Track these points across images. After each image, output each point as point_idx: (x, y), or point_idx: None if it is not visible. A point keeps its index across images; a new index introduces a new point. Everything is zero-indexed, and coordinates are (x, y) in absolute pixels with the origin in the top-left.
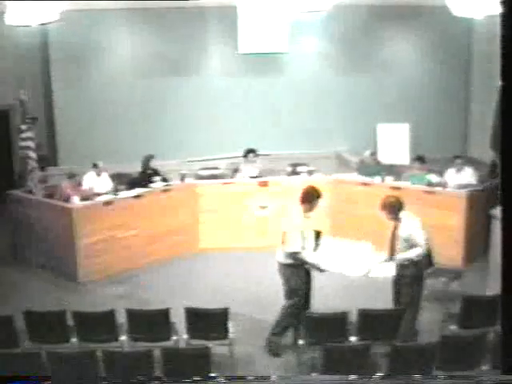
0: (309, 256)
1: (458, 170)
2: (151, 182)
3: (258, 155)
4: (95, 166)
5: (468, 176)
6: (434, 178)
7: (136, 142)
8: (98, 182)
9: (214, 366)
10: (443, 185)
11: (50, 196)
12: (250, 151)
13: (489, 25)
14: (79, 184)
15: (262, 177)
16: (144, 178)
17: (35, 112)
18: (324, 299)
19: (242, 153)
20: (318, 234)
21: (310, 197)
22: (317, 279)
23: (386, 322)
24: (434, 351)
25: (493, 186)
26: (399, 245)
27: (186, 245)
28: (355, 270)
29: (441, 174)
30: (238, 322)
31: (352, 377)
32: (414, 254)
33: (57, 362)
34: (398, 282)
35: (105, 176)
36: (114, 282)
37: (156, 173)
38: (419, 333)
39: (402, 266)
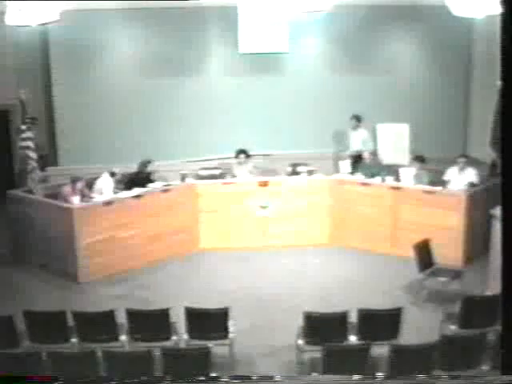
0: None
1: (461, 169)
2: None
3: (249, 156)
4: (113, 174)
5: (471, 176)
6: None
7: (136, 142)
8: (110, 187)
9: (214, 366)
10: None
11: (53, 198)
12: (241, 152)
13: (489, 25)
14: (88, 185)
15: (261, 176)
16: (141, 179)
17: (35, 112)
18: (324, 299)
19: (234, 154)
20: None
21: None
22: (317, 279)
23: (386, 322)
24: (433, 351)
25: (493, 185)
26: None
27: (185, 245)
28: None
29: (442, 173)
30: (238, 321)
31: (355, 377)
32: None
33: (57, 362)
34: None
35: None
36: (114, 282)
37: (148, 178)
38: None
39: None
